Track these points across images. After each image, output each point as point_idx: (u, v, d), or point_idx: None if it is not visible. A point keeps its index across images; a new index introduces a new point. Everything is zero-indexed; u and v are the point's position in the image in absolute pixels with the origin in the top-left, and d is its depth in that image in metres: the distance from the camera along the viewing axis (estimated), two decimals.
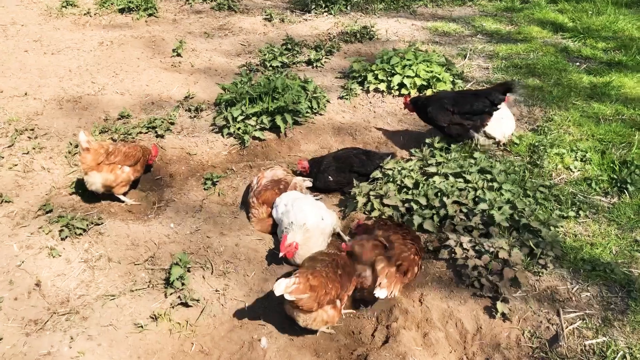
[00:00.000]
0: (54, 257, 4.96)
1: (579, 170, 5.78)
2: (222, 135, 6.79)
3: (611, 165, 5.74)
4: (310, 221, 4.80)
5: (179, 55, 8.82)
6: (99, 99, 7.64)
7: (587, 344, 3.97)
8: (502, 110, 6.39)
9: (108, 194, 5.65)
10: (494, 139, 6.30)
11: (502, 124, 6.31)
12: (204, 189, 5.89)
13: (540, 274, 4.55)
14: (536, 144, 6.15)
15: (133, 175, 5.65)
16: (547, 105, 7.06)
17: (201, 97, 7.70)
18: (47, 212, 5.48)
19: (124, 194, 5.73)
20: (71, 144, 6.51)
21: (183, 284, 4.58)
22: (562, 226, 5.03)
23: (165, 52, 8.96)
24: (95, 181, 5.44)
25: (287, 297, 3.70)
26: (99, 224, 5.32)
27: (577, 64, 8.30)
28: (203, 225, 5.35)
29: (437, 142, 6.09)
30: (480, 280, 4.42)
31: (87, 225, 5.22)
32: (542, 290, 4.44)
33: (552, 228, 4.89)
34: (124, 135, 6.67)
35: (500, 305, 4.22)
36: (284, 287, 3.68)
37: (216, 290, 4.62)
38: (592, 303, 4.29)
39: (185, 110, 7.41)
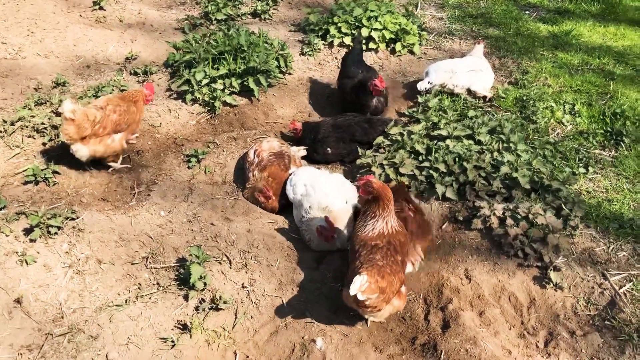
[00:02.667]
0: (28, 264, 4.09)
1: (571, 124, 5.75)
2: (185, 102, 6.00)
3: (601, 117, 5.75)
4: (337, 206, 4.34)
5: (101, 8, 7.65)
6: (20, 64, 6.45)
7: None
8: (478, 63, 6.19)
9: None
10: (475, 93, 6.09)
11: (480, 76, 6.11)
12: (188, 167, 5.15)
13: (573, 236, 4.45)
14: (524, 98, 6.02)
15: (127, 136, 5.07)
16: (517, 56, 6.96)
17: (145, 57, 6.75)
18: (0, 209, 4.51)
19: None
20: (5, 121, 5.40)
21: (205, 284, 3.95)
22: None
23: (82, 4, 7.74)
24: (83, 154, 4.83)
25: (360, 296, 3.25)
26: (74, 219, 4.46)
27: (527, 12, 8.28)
28: (200, 210, 4.67)
29: (431, 101, 5.77)
30: (525, 250, 4.23)
31: (62, 221, 4.36)
32: (579, 253, 4.34)
33: (568, 187, 4.81)
34: None
35: (553, 275, 4.06)
36: (358, 286, 3.23)
37: (243, 287, 4.05)
38: (632, 262, 4.27)
39: (131, 73, 6.47)
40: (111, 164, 5.12)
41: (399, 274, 3.58)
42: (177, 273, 4.13)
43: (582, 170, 5.11)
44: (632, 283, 4.09)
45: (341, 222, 4.29)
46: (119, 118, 4.87)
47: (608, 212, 4.72)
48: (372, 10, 7.08)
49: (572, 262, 4.26)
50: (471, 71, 6.08)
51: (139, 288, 4.04)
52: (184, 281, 4.01)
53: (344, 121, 5.34)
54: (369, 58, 6.96)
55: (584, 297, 4.04)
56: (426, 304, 4.06)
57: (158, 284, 4.07)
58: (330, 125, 5.32)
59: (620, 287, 4.06)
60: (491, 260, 4.27)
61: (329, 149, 5.23)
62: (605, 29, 7.71)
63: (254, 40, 6.32)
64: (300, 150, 5.26)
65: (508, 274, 4.17)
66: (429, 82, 6.00)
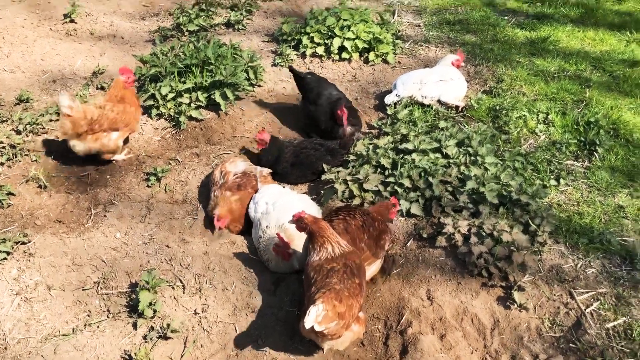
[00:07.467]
0: None
1: (544, 134, 5.60)
2: (150, 117, 5.88)
3: (575, 126, 5.61)
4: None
5: (72, 21, 7.55)
6: None
7: (610, 327, 3.79)
8: (448, 72, 6.05)
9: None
10: (446, 103, 5.96)
11: (451, 86, 5.97)
12: (147, 186, 5.02)
13: (541, 253, 4.30)
14: (497, 107, 5.88)
15: (125, 134, 5.22)
16: (492, 64, 6.82)
17: (113, 71, 6.61)
18: None
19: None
20: None
21: (155, 311, 3.81)
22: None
23: (54, 17, 7.64)
24: (79, 149, 5.04)
25: (317, 327, 3.11)
26: (25, 243, 4.33)
27: (506, 18, 8.15)
28: (157, 231, 4.53)
29: (400, 113, 5.64)
30: (489, 269, 4.08)
31: (12, 246, 4.22)
32: (547, 270, 4.20)
33: (538, 200, 4.66)
34: (31, 126, 5.51)
35: (517, 295, 3.92)
36: (314, 317, 3.08)
37: (195, 313, 3.91)
38: (600, 280, 4.12)
39: (97, 88, 6.37)
40: (116, 157, 5.27)
41: (357, 297, 3.44)
42: (128, 299, 3.99)
43: (553, 182, 4.97)
44: (599, 302, 3.94)
45: (299, 241, 4.14)
46: (117, 117, 5.02)
47: (578, 226, 4.57)
48: (345, 20, 6.95)
49: (539, 280, 4.12)
50: (441, 81, 5.95)
51: (88, 315, 3.91)
52: (134, 308, 3.88)
53: (306, 157, 5.11)
54: (341, 68, 6.85)
55: (549, 318, 3.89)
56: (386, 327, 3.92)
57: (108, 310, 3.93)
58: (290, 164, 5.11)
59: (587, 307, 3.91)
60: (455, 279, 4.13)
61: (290, 182, 5.15)
62: (584, 33, 7.57)
63: (222, 53, 6.18)
64: (264, 170, 5.10)
65: (471, 295, 4.02)
66: (396, 95, 5.87)
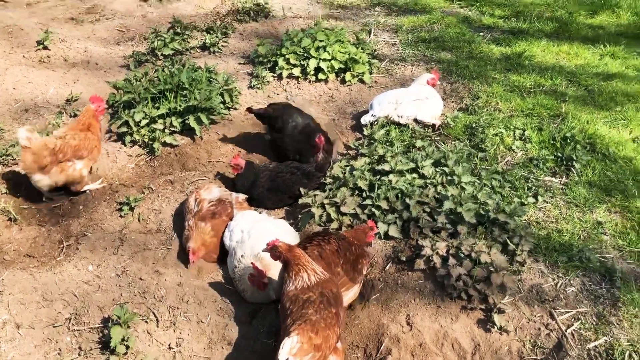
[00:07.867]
0: None
1: (521, 150, 5.59)
2: (124, 144, 5.78)
3: (552, 142, 5.60)
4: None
5: (45, 48, 7.46)
6: None
7: (592, 347, 3.74)
8: (425, 91, 6.04)
9: None
10: (422, 122, 5.94)
11: (427, 104, 5.95)
12: (120, 215, 4.91)
13: (521, 273, 4.26)
14: (473, 125, 5.87)
15: (90, 163, 5.08)
16: (468, 81, 6.82)
17: (87, 98, 6.45)
18: None
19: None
20: None
21: (127, 347, 3.70)
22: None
23: (27, 44, 7.54)
24: (43, 184, 4.90)
25: None
26: None
27: (481, 34, 8.19)
28: (130, 263, 4.43)
29: (377, 133, 5.61)
30: (468, 292, 4.02)
31: None
32: (527, 290, 4.15)
33: (516, 219, 4.63)
34: (1, 157, 5.41)
35: (497, 318, 3.86)
36: (288, 350, 3.01)
37: (169, 348, 3.80)
38: (580, 299, 4.07)
39: (71, 116, 6.27)
40: (89, 186, 5.18)
41: (334, 327, 3.38)
42: (100, 335, 3.88)
43: (531, 200, 4.94)
44: (579, 322, 3.90)
45: (275, 270, 4.06)
46: (80, 144, 4.93)
47: (557, 244, 4.53)
48: (320, 40, 6.93)
49: (519, 301, 4.07)
50: (417, 100, 5.93)
51: (58, 354, 3.79)
52: (106, 344, 3.76)
53: (282, 182, 5.05)
54: (318, 89, 6.82)
55: (530, 340, 3.83)
56: (366, 355, 3.85)
57: (80, 348, 3.82)
58: (266, 189, 5.06)
59: (568, 327, 3.86)
60: (434, 303, 4.06)
61: (266, 207, 5.09)
62: (558, 48, 7.63)
63: (196, 77, 6.12)
64: (240, 195, 5.02)
65: (451, 318, 3.96)
66: (372, 116, 5.85)
